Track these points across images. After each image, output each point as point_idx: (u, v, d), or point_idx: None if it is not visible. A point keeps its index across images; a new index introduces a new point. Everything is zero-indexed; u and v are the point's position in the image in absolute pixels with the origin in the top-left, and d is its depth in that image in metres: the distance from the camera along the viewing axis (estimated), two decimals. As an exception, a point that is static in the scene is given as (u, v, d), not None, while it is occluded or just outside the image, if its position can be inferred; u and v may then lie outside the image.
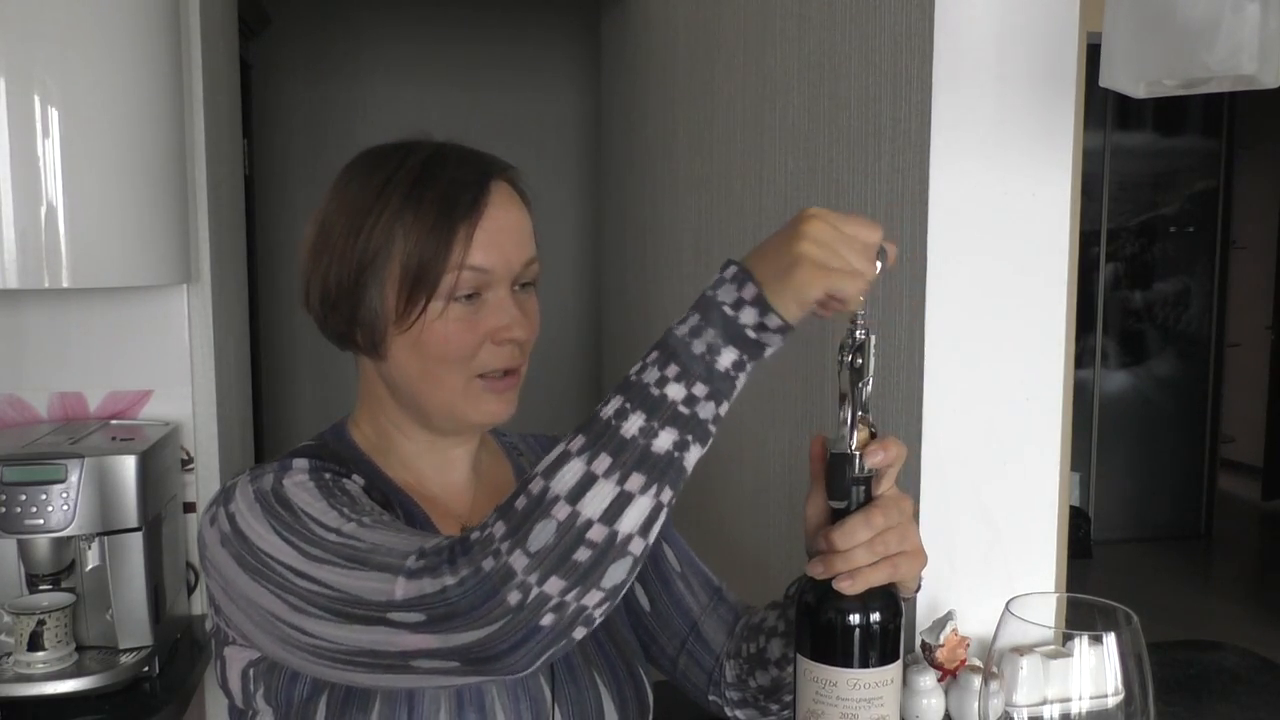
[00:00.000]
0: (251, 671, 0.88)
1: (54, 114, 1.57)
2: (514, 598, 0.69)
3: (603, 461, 0.69)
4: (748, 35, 2.10)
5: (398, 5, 4.46)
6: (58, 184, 1.58)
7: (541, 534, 0.69)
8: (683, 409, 0.70)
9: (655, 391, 0.70)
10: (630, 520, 0.69)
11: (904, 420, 1.46)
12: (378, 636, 0.74)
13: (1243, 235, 5.70)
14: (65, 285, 1.62)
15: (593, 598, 0.70)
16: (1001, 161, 1.39)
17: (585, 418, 0.73)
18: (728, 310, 0.71)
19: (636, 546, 0.70)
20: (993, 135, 1.39)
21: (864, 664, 0.76)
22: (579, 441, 0.71)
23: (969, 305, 1.41)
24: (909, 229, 1.43)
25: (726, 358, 0.71)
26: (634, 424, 0.70)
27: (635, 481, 0.69)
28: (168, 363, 1.96)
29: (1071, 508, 3.86)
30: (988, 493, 1.45)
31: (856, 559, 0.76)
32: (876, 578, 0.76)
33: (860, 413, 0.76)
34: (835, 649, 0.77)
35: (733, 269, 0.72)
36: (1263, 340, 5.92)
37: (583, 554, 0.69)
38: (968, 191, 1.39)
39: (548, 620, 0.70)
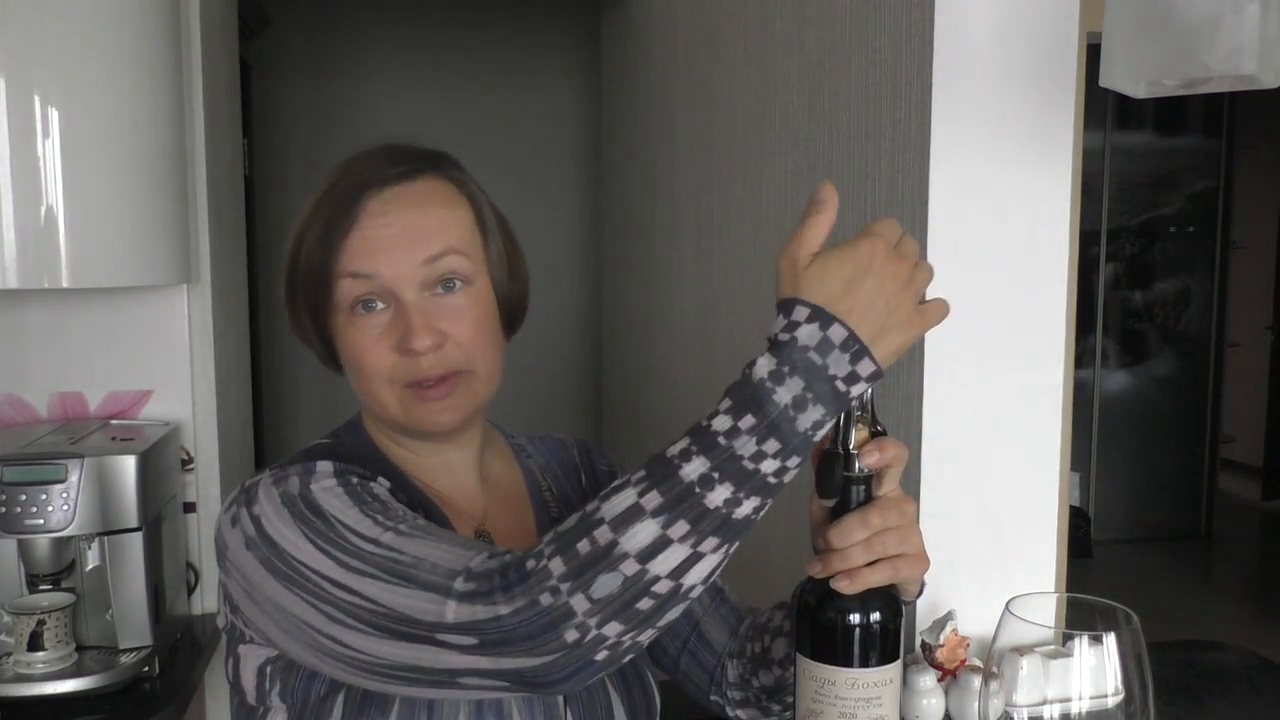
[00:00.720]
0: (269, 669, 0.88)
1: (54, 114, 1.57)
2: (571, 636, 0.69)
3: (680, 527, 0.68)
4: (748, 35, 2.10)
5: (398, 6, 4.46)
6: (58, 184, 1.58)
7: (606, 584, 0.68)
8: (772, 479, 0.68)
9: (749, 465, 0.68)
10: (697, 574, 0.69)
11: (904, 420, 1.46)
12: (424, 655, 0.74)
13: (1243, 235, 5.69)
14: (65, 285, 1.62)
15: (647, 635, 0.71)
16: (1001, 161, 1.39)
17: (658, 464, 0.69)
18: (841, 385, 0.68)
19: (696, 592, 0.71)
20: (993, 135, 1.39)
21: (862, 664, 0.76)
22: (654, 500, 0.68)
23: (969, 305, 1.41)
24: (909, 229, 1.43)
25: (825, 426, 0.69)
26: (720, 494, 0.67)
27: (710, 544, 0.69)
28: (168, 363, 1.95)
29: (1071, 508, 3.86)
30: (988, 493, 1.45)
31: (853, 558, 0.75)
32: (875, 579, 0.76)
33: (859, 412, 0.76)
34: (833, 648, 0.77)
35: (841, 331, 0.68)
36: (1263, 340, 5.92)
37: (646, 603, 0.69)
38: (967, 191, 1.39)
39: (602, 656, 0.70)
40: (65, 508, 1.57)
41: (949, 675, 1.39)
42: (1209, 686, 1.48)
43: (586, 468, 1.10)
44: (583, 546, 0.69)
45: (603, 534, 0.68)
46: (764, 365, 0.68)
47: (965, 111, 1.37)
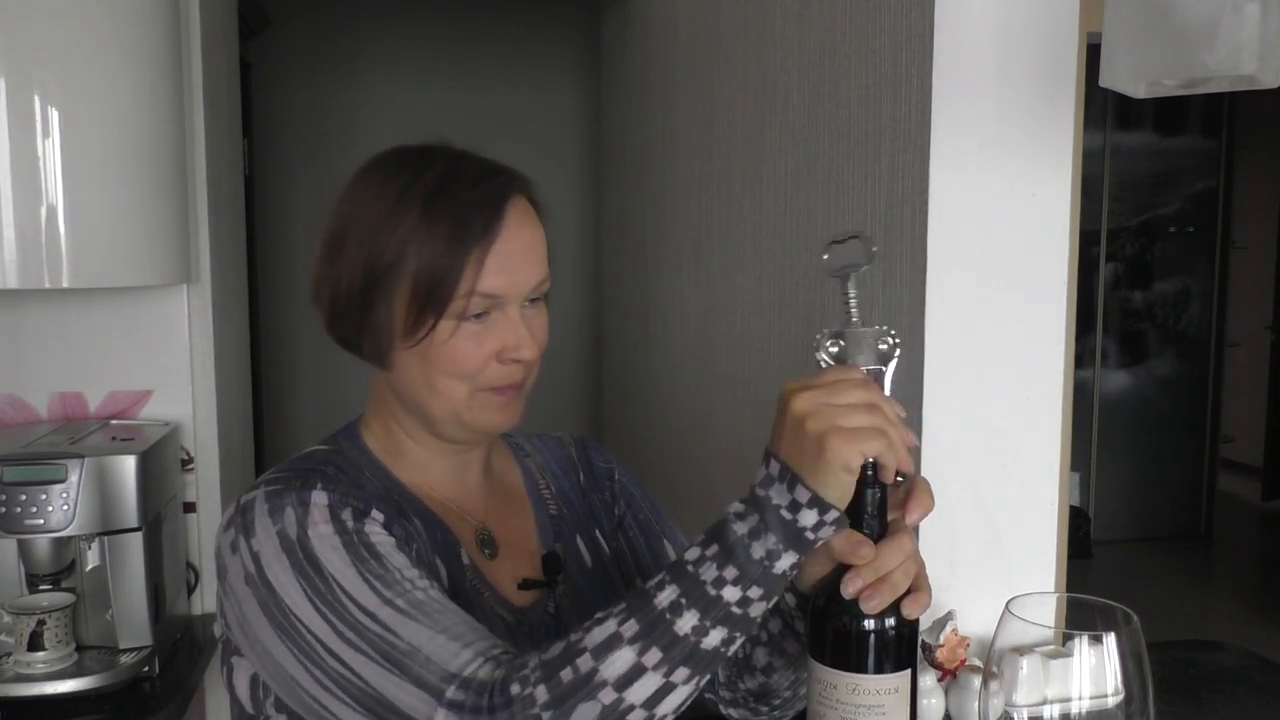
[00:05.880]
0: (262, 679, 0.88)
1: (54, 114, 1.57)
2: None
3: (654, 655, 0.72)
4: (748, 35, 2.10)
5: (398, 5, 4.46)
6: (58, 184, 1.58)
7: (585, 713, 0.72)
8: (736, 609, 0.73)
9: (712, 591, 0.72)
10: (669, 704, 0.74)
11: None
12: None
13: (1243, 235, 5.69)
14: (65, 285, 1.62)
15: None
16: (1001, 161, 1.39)
17: (637, 595, 0.75)
18: (785, 514, 0.72)
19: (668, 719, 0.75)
20: (993, 135, 1.39)
21: (864, 669, 0.76)
22: (631, 628, 0.73)
23: (969, 305, 1.41)
24: (909, 229, 1.43)
25: (786, 561, 0.73)
26: (688, 621, 0.72)
27: (681, 674, 0.73)
28: (168, 363, 1.95)
29: (1071, 508, 3.85)
30: (988, 493, 1.45)
31: (900, 583, 0.76)
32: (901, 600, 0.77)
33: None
34: (836, 651, 0.76)
35: (776, 465, 0.73)
36: (1263, 340, 5.91)
37: None
38: (968, 191, 1.39)
39: None
40: (65, 508, 1.57)
41: (949, 675, 1.39)
42: (1209, 686, 1.48)
43: (584, 464, 1.11)
44: (566, 674, 0.73)
45: (584, 661, 0.73)
46: (735, 506, 0.75)
47: (965, 111, 1.37)
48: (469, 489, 0.99)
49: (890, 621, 0.76)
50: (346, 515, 0.84)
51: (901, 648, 0.77)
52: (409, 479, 0.96)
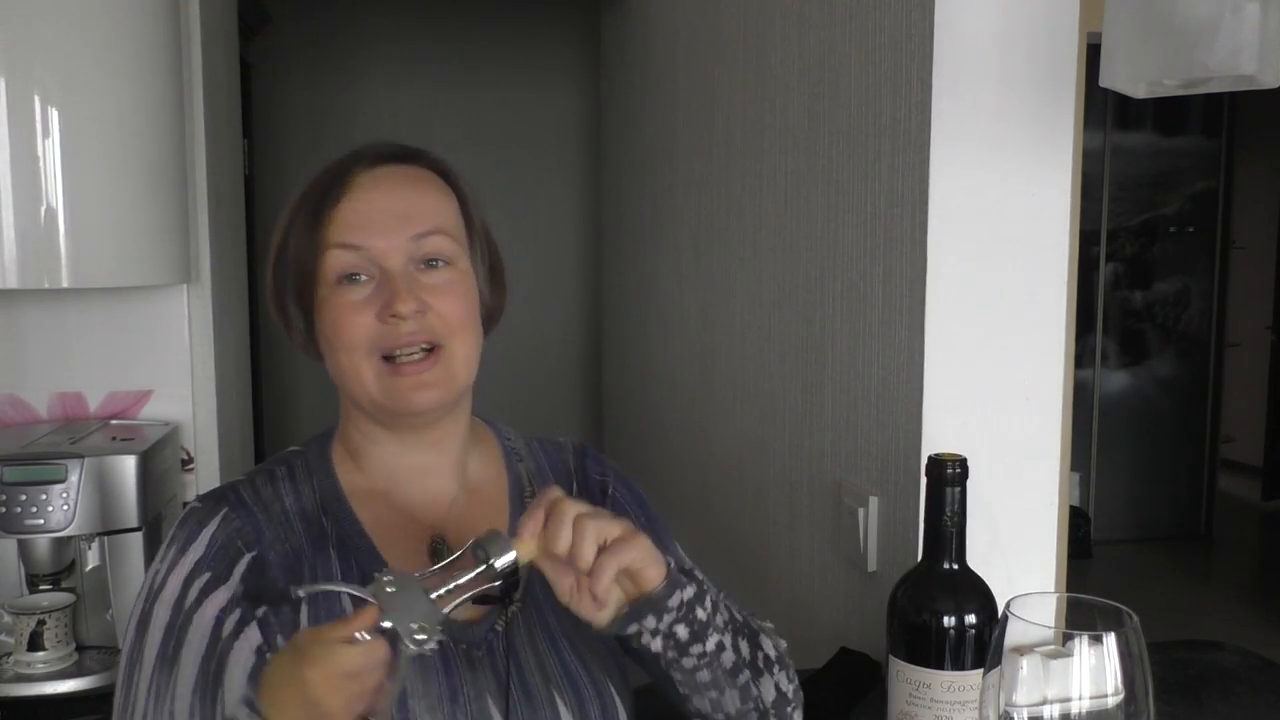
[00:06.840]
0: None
1: (54, 114, 1.57)
2: None
3: None
4: (748, 35, 2.10)
5: (398, 5, 4.46)
6: (58, 184, 1.58)
7: None
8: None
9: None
10: None
11: (904, 420, 1.46)
12: None
13: (1243, 235, 5.69)
14: (65, 285, 1.62)
15: None
16: (1001, 161, 1.39)
17: None
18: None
19: None
20: (992, 135, 1.39)
21: (965, 665, 0.75)
22: None
23: (969, 305, 1.41)
24: (909, 229, 1.43)
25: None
26: None
27: None
28: (168, 363, 1.96)
29: (1071, 508, 3.85)
30: (988, 493, 1.45)
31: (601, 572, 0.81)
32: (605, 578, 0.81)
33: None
34: (931, 650, 0.75)
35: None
36: (1263, 340, 5.91)
37: None
38: (967, 191, 1.39)
39: None
40: (65, 508, 1.57)
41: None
42: (1209, 686, 1.47)
43: (579, 474, 1.07)
44: None
45: None
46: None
47: (965, 111, 1.37)
48: (438, 495, 0.97)
49: (976, 617, 0.75)
50: (194, 589, 0.88)
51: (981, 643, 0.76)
52: (365, 485, 0.96)
